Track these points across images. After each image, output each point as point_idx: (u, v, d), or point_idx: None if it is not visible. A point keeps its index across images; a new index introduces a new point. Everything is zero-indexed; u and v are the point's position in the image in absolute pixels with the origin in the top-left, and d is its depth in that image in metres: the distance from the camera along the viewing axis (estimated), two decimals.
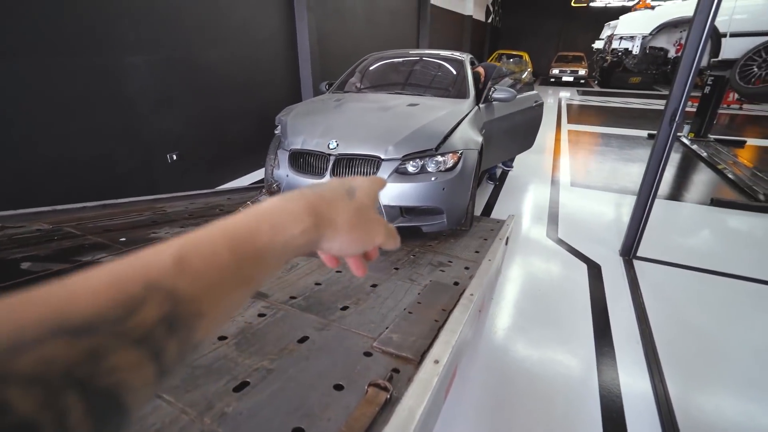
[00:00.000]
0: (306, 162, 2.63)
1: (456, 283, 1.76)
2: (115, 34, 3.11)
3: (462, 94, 3.44)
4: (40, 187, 2.76)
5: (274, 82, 5.12)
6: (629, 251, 2.87)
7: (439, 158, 2.51)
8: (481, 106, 3.43)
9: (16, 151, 2.61)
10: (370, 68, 4.06)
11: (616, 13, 7.48)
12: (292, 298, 1.46)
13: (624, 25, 5.88)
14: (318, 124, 2.72)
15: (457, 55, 3.96)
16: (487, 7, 17.67)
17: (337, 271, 1.77)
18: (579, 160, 5.50)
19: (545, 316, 2.28)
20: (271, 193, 2.73)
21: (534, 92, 4.45)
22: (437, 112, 2.91)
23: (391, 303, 1.49)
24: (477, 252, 2.28)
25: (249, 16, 4.46)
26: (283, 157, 2.72)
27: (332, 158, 2.49)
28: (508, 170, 4.41)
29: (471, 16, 14.07)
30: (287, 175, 2.64)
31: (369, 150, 2.47)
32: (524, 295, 2.50)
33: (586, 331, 2.15)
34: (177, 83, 3.73)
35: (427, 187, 2.43)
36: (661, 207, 3.58)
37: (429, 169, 2.50)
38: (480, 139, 2.93)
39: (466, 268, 1.98)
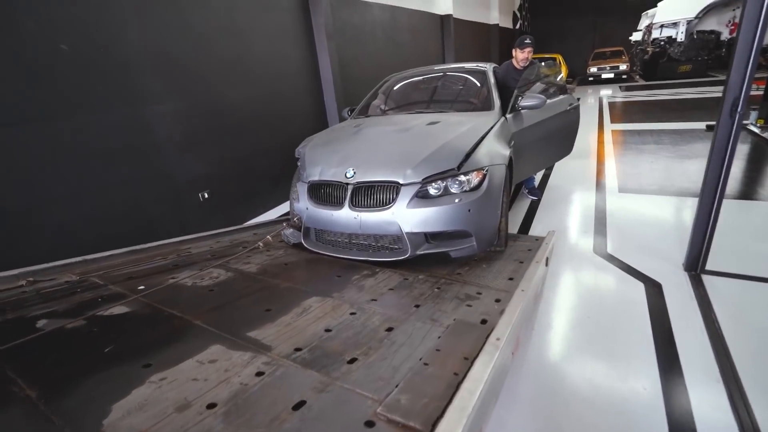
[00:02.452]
0: (325, 193, 2.55)
1: (484, 321, 1.55)
2: (141, 87, 3.28)
3: (486, 107, 3.25)
4: (81, 238, 2.90)
5: (299, 113, 5.20)
6: (696, 264, 2.49)
7: (462, 178, 2.33)
8: (508, 116, 3.22)
9: (59, 206, 2.77)
10: (391, 89, 3.98)
11: (653, 0, 6.94)
12: (297, 350, 1.34)
13: (664, 12, 5.42)
14: (335, 153, 2.65)
15: (479, 66, 3.78)
16: (514, 13, 17.34)
17: (351, 313, 1.63)
18: (627, 163, 5.03)
19: (597, 346, 1.98)
20: (293, 226, 2.67)
21: (567, 95, 4.16)
22: (459, 128, 2.74)
23: (406, 351, 1.32)
24: (511, 279, 2.05)
25: (270, 52, 4.60)
26: (302, 189, 2.67)
27: (350, 187, 2.39)
28: (536, 200, 3.99)
29: (497, 24, 13.83)
30: (307, 208, 2.57)
31: (387, 176, 2.35)
32: (571, 322, 2.20)
33: (649, 364, 1.83)
34: (203, 126, 3.86)
35: (451, 210, 2.25)
36: (731, 209, 3.13)
37: (452, 191, 2.32)
38: (507, 152, 2.71)
39: (497, 300, 1.76)
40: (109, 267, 2.21)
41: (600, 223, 3.40)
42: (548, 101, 3.71)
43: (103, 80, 3.01)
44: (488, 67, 3.70)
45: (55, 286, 1.93)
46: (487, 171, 2.40)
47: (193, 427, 0.96)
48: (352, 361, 1.27)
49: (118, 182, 3.14)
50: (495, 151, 2.62)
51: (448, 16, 9.47)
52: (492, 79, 3.51)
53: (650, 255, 2.78)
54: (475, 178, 2.36)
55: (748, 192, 3.75)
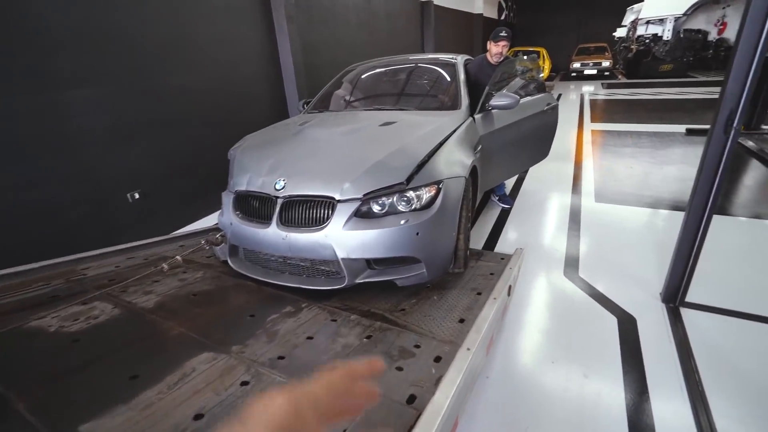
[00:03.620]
0: (252, 206, 2.14)
1: (411, 399, 1.19)
2: (53, 67, 2.76)
3: (453, 105, 2.87)
4: None
5: (255, 103, 4.71)
6: (675, 296, 2.19)
7: (411, 194, 1.96)
8: (476, 117, 2.85)
9: None
10: (351, 82, 3.55)
11: None
12: None
13: (650, 7, 5.09)
14: (266, 159, 2.23)
15: (448, 58, 3.38)
16: (500, 3, 16.92)
17: (243, 384, 1.24)
18: (605, 167, 4.76)
19: (561, 406, 1.66)
20: (212, 243, 2.26)
21: (546, 94, 3.81)
22: (415, 131, 2.36)
23: None
24: (462, 321, 1.70)
25: (219, 34, 4.07)
26: (228, 200, 2.25)
27: (279, 201, 1.99)
28: (507, 207, 3.64)
29: (481, 14, 13.39)
30: (231, 223, 2.16)
31: (321, 189, 1.95)
32: (531, 370, 1.88)
33: (618, 423, 1.51)
34: (136, 115, 3.35)
35: (396, 232, 1.88)
36: (713, 226, 2.87)
37: (399, 209, 1.94)
38: (470, 160, 2.35)
39: (437, 359, 1.40)
40: None
41: (573, 237, 3.10)
42: (524, 100, 3.36)
43: (3, 60, 2.49)
44: (458, 60, 3.30)
45: None
46: (442, 185, 2.03)
47: None
48: None
49: (23, 180, 2.64)
50: (455, 159, 2.25)
51: (429, 2, 8.99)
52: (462, 75, 3.12)
53: (625, 280, 2.48)
54: (426, 194, 1.99)
55: (729, 207, 3.51)
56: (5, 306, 1.72)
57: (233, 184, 2.25)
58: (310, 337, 1.53)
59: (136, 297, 1.85)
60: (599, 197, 3.85)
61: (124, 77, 3.25)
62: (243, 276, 2.09)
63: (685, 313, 2.15)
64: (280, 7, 4.60)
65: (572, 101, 9.83)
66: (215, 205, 4.10)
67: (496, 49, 3.35)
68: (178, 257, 2.04)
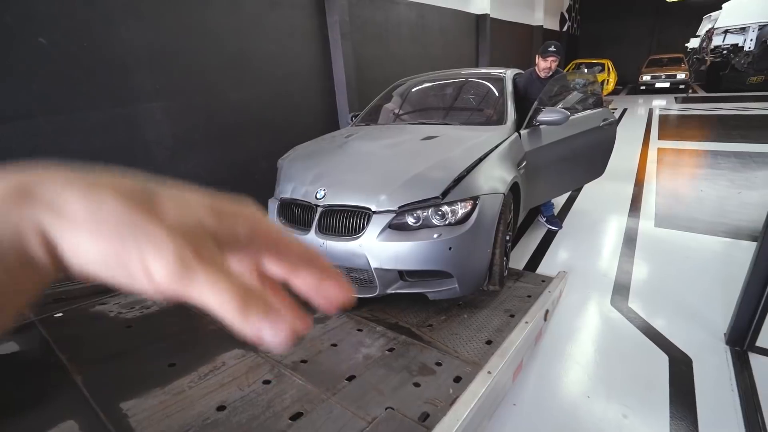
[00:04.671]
0: (294, 213, 2.25)
1: (424, 417, 1.18)
2: (130, 85, 3.13)
3: (498, 120, 2.83)
4: None
5: (308, 116, 4.94)
6: (743, 338, 1.95)
7: (446, 209, 1.96)
8: (522, 132, 2.78)
9: None
10: (399, 96, 3.63)
11: (722, 2, 6.07)
12: None
13: (729, 15, 4.60)
14: (311, 169, 2.34)
15: (497, 72, 3.34)
16: (562, 14, 16.30)
17: (265, 382, 1.30)
18: (670, 189, 4.37)
19: None
20: None
21: (603, 109, 3.61)
22: (456, 146, 2.36)
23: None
24: (489, 342, 1.65)
25: (276, 51, 4.36)
26: (273, 207, 2.39)
27: (319, 209, 2.08)
28: (555, 230, 3.43)
29: (541, 26, 12.99)
30: None
31: (358, 200, 2.01)
32: (562, 399, 1.76)
33: None
34: (199, 127, 3.68)
35: (429, 246, 1.89)
36: None
37: (434, 222, 1.95)
38: (511, 176, 2.29)
39: (457, 380, 1.38)
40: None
41: (626, 263, 2.87)
42: (577, 115, 3.22)
43: (89, 77, 2.87)
44: (507, 74, 3.25)
45: None
46: (479, 201, 2.01)
47: None
48: None
49: None
50: (494, 175, 2.21)
51: (485, 15, 8.91)
52: (509, 89, 3.07)
53: (682, 315, 2.25)
54: (461, 209, 1.97)
55: None
56: (75, 291, 1.95)
57: (279, 192, 2.39)
58: (334, 344, 1.58)
59: None
60: (660, 222, 3.54)
61: (192, 93, 3.58)
62: None
63: (754, 360, 1.91)
64: (336, 25, 4.83)
65: (639, 117, 9.17)
66: (266, 212, 4.35)
67: (544, 64, 3.25)
68: None
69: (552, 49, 3.20)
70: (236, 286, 0.19)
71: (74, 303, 1.83)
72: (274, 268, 0.24)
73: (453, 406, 1.14)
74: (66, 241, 0.18)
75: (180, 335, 1.60)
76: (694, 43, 6.72)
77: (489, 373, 1.31)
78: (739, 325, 1.96)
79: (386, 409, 1.20)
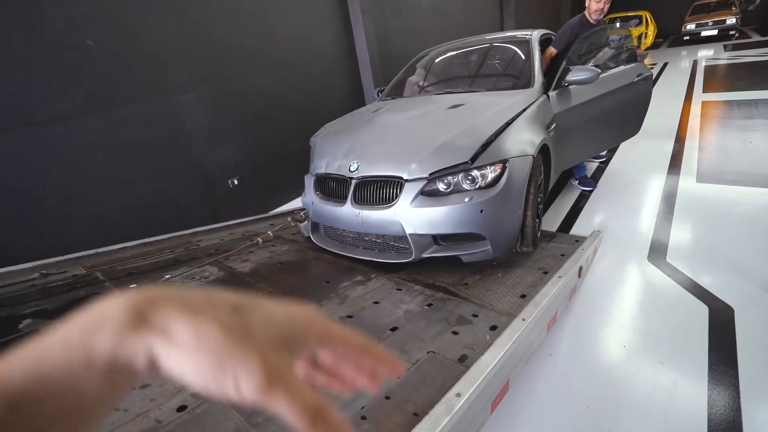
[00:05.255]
0: (330, 187, 2.38)
1: (463, 358, 1.29)
2: (167, 78, 3.32)
3: (525, 83, 2.80)
4: (116, 226, 3.06)
5: (333, 96, 5.02)
6: None
7: (475, 173, 2.01)
8: (551, 94, 2.75)
9: (93, 197, 2.93)
10: (423, 67, 3.63)
11: None
12: None
13: None
14: (342, 144, 2.45)
15: (522, 35, 3.27)
16: None
17: None
18: (715, 143, 4.14)
19: (628, 390, 1.60)
20: (298, 220, 2.56)
21: (637, 64, 3.46)
22: (482, 112, 2.38)
23: (350, 394, 1.12)
24: (523, 296, 1.73)
25: (299, 33, 4.43)
26: (309, 182, 2.53)
27: (353, 182, 2.19)
28: (588, 190, 3.35)
29: None
30: (313, 203, 2.43)
31: (390, 170, 2.10)
32: (598, 352, 1.82)
33: (694, 424, 1.43)
34: (231, 113, 3.85)
35: (460, 210, 1.96)
36: None
37: (464, 187, 2.02)
38: (539, 139, 2.30)
39: (493, 328, 1.47)
40: (118, 260, 2.28)
41: (664, 221, 2.81)
42: (608, 73, 3.13)
43: (130, 74, 3.08)
44: (533, 36, 3.17)
45: (61, 280, 2.02)
46: (507, 164, 2.05)
47: None
48: None
49: (149, 173, 3.25)
50: (523, 138, 2.23)
51: None
52: (536, 51, 3.00)
53: (724, 268, 2.22)
54: (491, 173, 2.02)
55: None
56: (145, 266, 2.19)
57: (314, 168, 2.51)
58: (376, 302, 1.71)
59: (236, 264, 2.21)
60: (702, 177, 3.40)
61: (222, 81, 3.74)
62: (322, 250, 2.35)
63: None
64: (355, 1, 4.81)
65: (682, 70, 8.56)
66: (299, 190, 4.54)
67: (596, 6, 3.12)
68: (270, 233, 2.36)
69: None
70: (307, 405, 0.22)
71: (143, 276, 2.06)
72: (333, 359, 0.29)
73: (490, 348, 1.24)
74: (171, 361, 0.22)
75: None
76: None
77: (523, 320, 1.39)
78: None
79: (428, 353, 1.32)
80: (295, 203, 4.32)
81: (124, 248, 2.40)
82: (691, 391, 1.55)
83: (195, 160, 3.60)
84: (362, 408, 1.06)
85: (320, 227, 2.47)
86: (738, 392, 1.52)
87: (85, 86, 2.84)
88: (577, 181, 3.56)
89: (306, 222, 2.57)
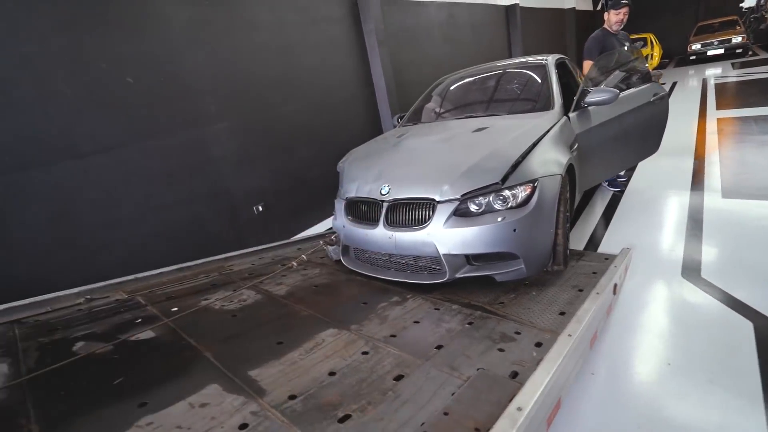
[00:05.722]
0: (361, 210, 2.44)
1: (514, 375, 1.29)
2: (197, 110, 3.49)
3: (545, 106, 2.88)
4: (148, 252, 3.15)
5: (352, 123, 5.19)
6: None
7: (507, 193, 2.05)
8: (571, 115, 2.82)
9: (128, 225, 3.04)
10: (441, 93, 3.75)
11: None
12: (291, 398, 1.22)
13: None
14: (372, 168, 2.52)
15: (539, 60, 3.38)
16: None
17: (363, 353, 1.47)
18: (736, 159, 4.14)
19: (678, 406, 1.57)
20: (329, 243, 2.61)
21: (652, 84, 3.54)
22: (508, 134, 2.45)
23: (408, 411, 1.13)
24: (562, 314, 1.73)
25: (319, 64, 4.64)
26: (340, 206, 2.59)
27: (385, 204, 2.25)
28: (619, 189, 3.45)
29: (573, 8, 12.59)
30: (344, 226, 2.49)
31: (422, 192, 2.16)
32: (642, 370, 1.79)
33: None
34: (256, 142, 4.00)
35: (494, 229, 1.99)
36: None
37: (496, 207, 2.05)
38: (566, 159, 2.35)
39: (538, 345, 1.47)
40: (157, 285, 2.35)
41: (693, 237, 2.80)
42: (625, 93, 3.20)
43: (165, 106, 3.26)
44: (549, 61, 3.28)
45: (105, 305, 2.09)
46: (537, 183, 2.09)
47: None
48: (345, 419, 1.12)
49: (179, 200, 3.37)
50: (549, 158, 2.28)
51: (514, 6, 8.83)
52: (553, 75, 3.10)
53: (763, 284, 2.19)
54: (522, 193, 2.06)
55: None
56: (184, 290, 2.25)
57: (343, 192, 2.58)
58: (416, 321, 1.72)
59: (271, 287, 2.25)
60: (728, 193, 3.38)
61: (249, 111, 3.92)
62: (354, 272, 2.38)
63: None
64: (372, 33, 5.05)
65: (692, 88, 8.64)
66: (322, 216, 4.63)
67: (616, 18, 3.34)
68: (303, 256, 2.42)
69: (624, 0, 3.27)
70: None
71: (184, 300, 2.11)
72: None
73: (541, 364, 1.24)
74: None
75: (279, 320, 1.82)
76: (749, 1, 6.28)
77: (569, 336, 1.39)
78: None
79: (477, 369, 1.32)
80: (318, 228, 4.40)
81: (161, 273, 2.47)
82: (748, 410, 1.51)
83: (222, 188, 3.72)
84: (422, 425, 1.07)
85: (350, 250, 2.51)
86: None
87: (125, 120, 3.00)
88: (606, 183, 3.61)
89: (336, 245, 2.61)
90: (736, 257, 2.50)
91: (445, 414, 1.10)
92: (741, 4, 7.21)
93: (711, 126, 5.48)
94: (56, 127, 2.65)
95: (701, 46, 12.29)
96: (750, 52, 12.00)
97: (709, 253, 2.58)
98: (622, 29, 3.38)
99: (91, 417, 1.20)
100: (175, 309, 1.97)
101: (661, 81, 4.09)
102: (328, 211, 4.63)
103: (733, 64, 11.11)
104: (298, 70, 4.40)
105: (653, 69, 11.93)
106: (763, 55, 11.65)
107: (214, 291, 2.24)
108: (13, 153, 2.48)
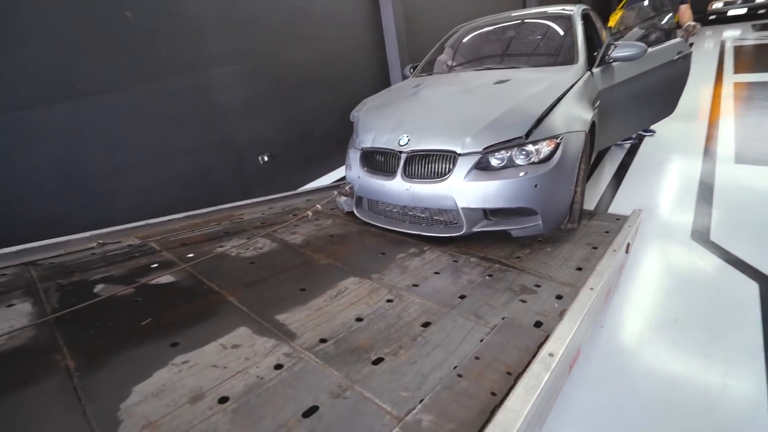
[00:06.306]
0: (377, 161, 2.38)
1: (538, 324, 1.32)
2: (202, 51, 3.29)
3: (569, 60, 2.75)
4: (155, 199, 3.10)
5: (361, 72, 4.97)
6: None
7: (530, 148, 2.01)
8: (595, 71, 2.71)
9: (136, 172, 2.95)
10: (458, 43, 3.56)
11: None
12: (322, 341, 1.25)
13: None
14: (389, 118, 2.44)
15: (563, 10, 3.19)
16: None
17: (388, 301, 1.49)
18: (751, 125, 4.07)
19: (684, 358, 1.64)
20: (344, 194, 2.57)
21: (678, 40, 3.39)
22: (531, 88, 2.35)
23: (440, 355, 1.16)
24: (579, 269, 1.75)
25: (329, 8, 4.35)
26: (355, 156, 2.53)
27: (403, 156, 2.19)
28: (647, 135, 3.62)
29: None
30: (359, 177, 2.44)
31: (443, 144, 2.10)
32: (652, 324, 1.85)
33: (758, 388, 1.46)
34: (263, 89, 3.83)
35: (515, 184, 1.96)
36: None
37: (518, 162, 2.01)
38: (590, 116, 2.28)
39: (559, 297, 1.50)
40: (168, 231, 2.33)
41: (704, 201, 2.80)
42: (651, 49, 3.06)
43: (168, 46, 3.06)
44: (575, 11, 3.10)
45: (119, 249, 2.07)
46: (561, 139, 2.04)
47: (199, 423, 0.93)
48: (378, 361, 1.15)
49: (186, 147, 3.27)
50: (574, 114, 2.21)
51: None
52: (579, 27, 2.94)
53: None
54: (545, 148, 2.02)
55: None
56: (197, 237, 2.23)
57: (359, 142, 2.50)
58: (437, 272, 1.74)
59: (286, 236, 2.25)
60: (741, 158, 3.36)
61: (254, 56, 3.71)
62: (367, 224, 2.37)
63: None
64: None
65: (709, 51, 8.33)
66: (327, 167, 4.55)
67: None
68: (318, 206, 2.38)
69: None
70: None
71: (198, 247, 2.10)
72: None
73: (566, 314, 1.27)
74: None
75: (298, 267, 1.82)
76: None
77: (591, 289, 1.42)
78: None
79: (503, 318, 1.35)
80: (326, 179, 4.34)
81: (171, 220, 2.44)
82: (747, 367, 1.58)
83: (228, 135, 3.60)
84: (455, 368, 1.10)
85: (364, 201, 2.49)
86: None
87: (127, 59, 2.83)
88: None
89: (346, 198, 2.58)
90: (745, 221, 2.52)
91: (477, 358, 1.13)
92: None
93: (727, 90, 5.34)
94: (53, 64, 2.49)
95: (723, 5, 11.71)
96: None
97: (719, 217, 2.59)
98: None
99: (125, 355, 1.21)
100: (191, 255, 1.97)
101: (693, 34, 3.88)
102: (335, 163, 4.58)
103: (753, 25, 10.66)
104: (305, 14, 4.13)
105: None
106: None
107: (227, 239, 2.23)
108: (12, 90, 2.34)
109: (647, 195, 3.06)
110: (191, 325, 1.37)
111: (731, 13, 11.56)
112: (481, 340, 1.22)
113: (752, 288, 1.97)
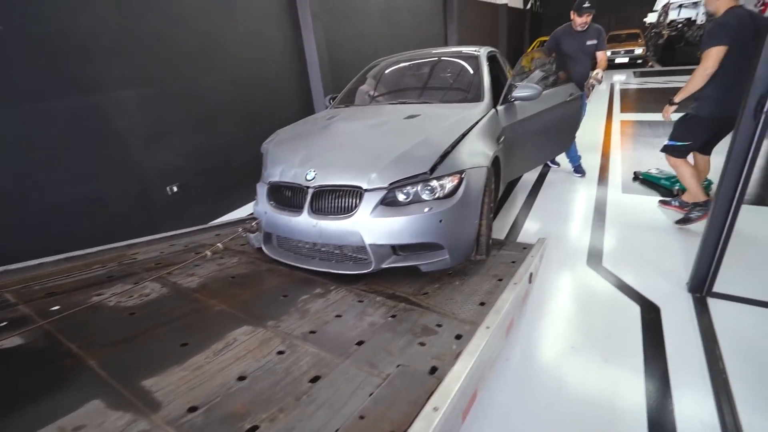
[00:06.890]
0: (285, 196, 2.28)
1: (433, 370, 1.28)
2: (97, 72, 2.99)
3: (476, 97, 2.91)
4: (30, 237, 2.67)
5: (284, 99, 4.88)
6: (701, 285, 2.18)
7: (435, 183, 2.04)
8: (499, 108, 2.89)
9: (4, 203, 2.53)
10: (376, 77, 3.64)
11: None
12: (191, 410, 1.09)
13: None
14: (298, 152, 2.36)
15: (472, 51, 3.42)
16: None
17: (279, 353, 1.37)
18: (634, 158, 4.65)
19: (577, 387, 1.71)
20: (249, 231, 2.41)
21: (568, 84, 3.79)
22: (438, 124, 2.43)
23: (323, 416, 1.06)
24: (482, 304, 1.77)
25: (247, 33, 4.25)
26: (262, 191, 2.40)
27: (310, 191, 2.11)
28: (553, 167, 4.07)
29: (506, 4, 13.14)
30: (266, 212, 2.31)
31: (349, 180, 2.06)
32: (549, 355, 1.93)
33: (635, 413, 1.55)
34: (172, 115, 3.57)
35: (420, 220, 1.97)
36: (745, 216, 2.80)
37: (423, 197, 2.03)
38: (492, 151, 2.40)
39: (458, 337, 1.49)
40: (34, 278, 1.98)
41: (597, 227, 3.08)
42: (546, 91, 3.37)
43: (53, 65, 2.73)
44: (481, 53, 3.33)
45: None
46: (464, 174, 2.10)
47: None
48: (252, 430, 1.02)
49: (74, 176, 2.89)
50: (477, 150, 2.31)
51: None
52: (485, 67, 3.15)
53: (650, 270, 2.47)
54: (449, 183, 2.06)
55: (764, 196, 3.38)
56: (70, 284, 1.93)
57: (267, 176, 2.39)
58: (338, 315, 1.65)
59: (181, 278, 2.02)
60: (627, 188, 3.79)
61: (162, 79, 3.46)
62: (276, 261, 2.23)
63: (712, 303, 2.13)
64: (306, 5, 4.74)
65: (601, 92, 9.54)
66: (246, 198, 4.31)
67: (580, 20, 3.82)
68: (219, 244, 2.20)
69: (586, 5, 3.66)
70: None
71: (69, 297, 1.81)
72: None
73: (459, 358, 1.25)
74: None
75: (185, 317, 1.63)
76: (652, 17, 7.03)
77: (487, 328, 1.42)
78: (698, 275, 2.18)
79: (397, 366, 1.29)
80: (241, 212, 4.10)
81: (41, 264, 2.09)
82: (632, 384, 1.69)
83: (129, 163, 3.27)
84: (336, 431, 1.01)
85: (273, 238, 2.36)
86: (668, 383, 1.68)
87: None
88: (573, 169, 4.18)
89: (258, 233, 2.43)
90: (629, 246, 2.80)
91: (361, 417, 1.05)
92: (644, 19, 8.11)
93: (616, 127, 6.10)
94: None
95: (611, 54, 13.59)
96: (650, 63, 13.54)
97: (609, 243, 2.85)
98: (593, 26, 3.89)
99: None
100: (56, 308, 1.68)
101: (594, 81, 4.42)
102: (252, 195, 4.35)
103: (635, 72, 12.48)
104: (222, 37, 3.98)
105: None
106: (657, 68, 13.24)
107: (109, 285, 1.95)
108: None
109: (553, 222, 3.29)
110: (27, 403, 1.13)
111: (618, 60, 13.46)
112: (371, 394, 1.14)
113: (635, 311, 2.15)
